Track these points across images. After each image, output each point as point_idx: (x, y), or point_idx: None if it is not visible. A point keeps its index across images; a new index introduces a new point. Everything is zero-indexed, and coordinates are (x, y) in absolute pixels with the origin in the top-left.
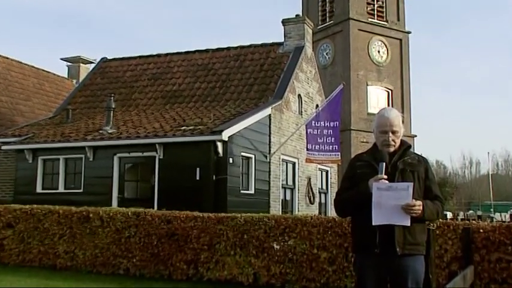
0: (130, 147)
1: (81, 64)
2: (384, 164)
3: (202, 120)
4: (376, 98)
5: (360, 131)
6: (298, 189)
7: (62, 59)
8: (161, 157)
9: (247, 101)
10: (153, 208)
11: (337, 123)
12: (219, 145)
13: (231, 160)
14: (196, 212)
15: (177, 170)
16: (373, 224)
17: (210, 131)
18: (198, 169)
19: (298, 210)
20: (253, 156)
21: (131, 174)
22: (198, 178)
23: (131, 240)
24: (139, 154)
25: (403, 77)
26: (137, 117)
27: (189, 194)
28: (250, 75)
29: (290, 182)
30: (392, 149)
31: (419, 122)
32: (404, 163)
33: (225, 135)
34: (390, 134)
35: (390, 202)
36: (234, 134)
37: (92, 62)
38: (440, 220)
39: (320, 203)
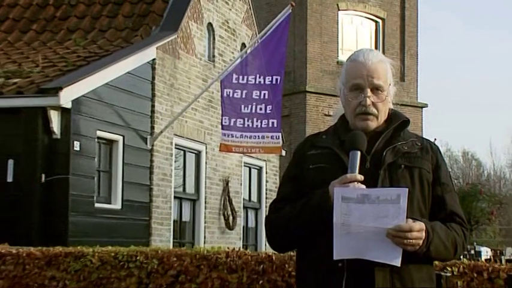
0: None
1: None
2: (359, 153)
3: (21, 68)
4: (355, 34)
5: (324, 94)
6: (206, 202)
7: None
8: None
9: (109, 34)
10: None
11: (279, 78)
12: (54, 116)
13: (76, 146)
14: (6, 244)
15: None
16: (335, 257)
17: (37, 89)
18: (10, 162)
19: (205, 241)
20: (120, 138)
21: None
22: (10, 179)
23: None
24: None
25: None
26: None
27: None
28: None
29: (191, 189)
30: (373, 125)
31: (433, 83)
32: (396, 152)
33: (66, 97)
34: (368, 92)
35: (366, 223)
36: (83, 96)
37: None
38: (465, 260)
39: (246, 228)
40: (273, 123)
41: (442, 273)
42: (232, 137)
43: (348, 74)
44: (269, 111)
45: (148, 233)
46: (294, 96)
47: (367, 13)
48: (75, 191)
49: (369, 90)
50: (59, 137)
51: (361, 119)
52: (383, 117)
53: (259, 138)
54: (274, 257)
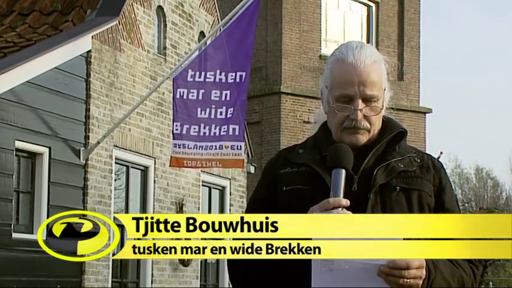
0: None
1: None
2: (344, 172)
3: None
4: (342, 21)
5: (303, 96)
6: None
7: None
8: None
9: (32, 19)
10: None
11: (245, 75)
12: None
13: None
14: None
15: None
16: None
17: None
18: None
19: (153, 280)
20: (46, 150)
21: None
22: None
23: None
24: None
25: None
26: None
27: None
28: None
29: (135, 211)
30: (364, 140)
31: (439, 82)
32: (390, 171)
33: None
34: (360, 104)
35: (353, 258)
36: None
37: None
38: None
39: (205, 263)
40: (234, 129)
41: None
42: (185, 148)
43: (334, 79)
44: (230, 115)
45: (80, 270)
46: (266, 98)
47: None
48: None
49: (360, 101)
50: None
51: (349, 133)
52: (376, 129)
53: (216, 148)
54: None
